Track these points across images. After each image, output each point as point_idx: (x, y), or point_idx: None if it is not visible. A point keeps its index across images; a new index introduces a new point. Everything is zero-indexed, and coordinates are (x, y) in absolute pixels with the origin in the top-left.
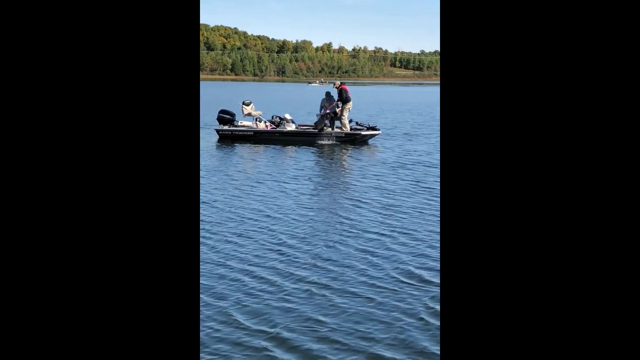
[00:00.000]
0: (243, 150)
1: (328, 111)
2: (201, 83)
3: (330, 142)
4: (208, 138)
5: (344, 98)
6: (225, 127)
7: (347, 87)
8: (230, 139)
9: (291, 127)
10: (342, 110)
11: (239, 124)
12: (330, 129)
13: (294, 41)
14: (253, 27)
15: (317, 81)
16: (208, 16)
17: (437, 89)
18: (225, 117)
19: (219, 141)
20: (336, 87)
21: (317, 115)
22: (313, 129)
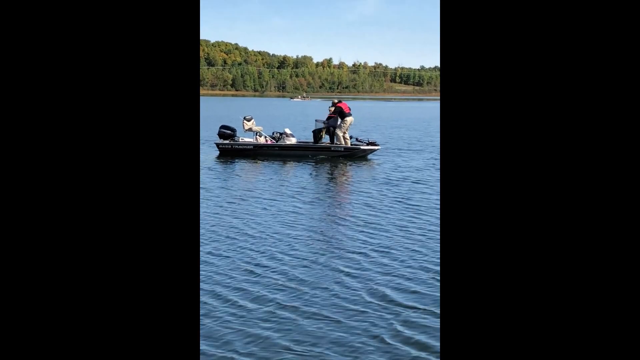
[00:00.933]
0: (241, 165)
1: (326, 124)
2: (201, 98)
3: (329, 156)
4: (208, 153)
5: (338, 113)
6: (226, 142)
7: (345, 104)
8: (230, 153)
9: (291, 141)
10: (339, 126)
11: (240, 140)
12: (329, 142)
13: (295, 57)
14: (254, 43)
15: (299, 96)
16: (209, 32)
17: (437, 104)
18: (226, 133)
19: (219, 156)
20: (332, 107)
21: (315, 121)
22: (313, 143)
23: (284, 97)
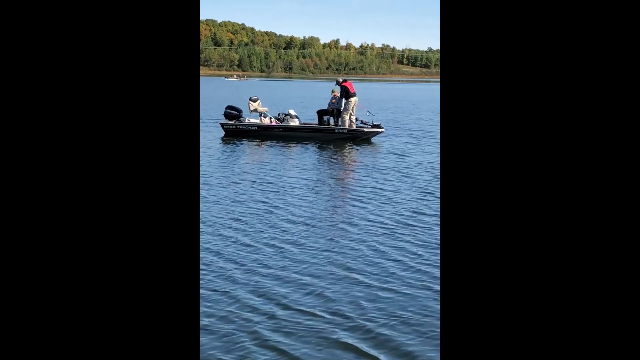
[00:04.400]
0: (244, 146)
1: (332, 106)
2: (208, 78)
3: (333, 138)
4: (214, 133)
5: (344, 95)
6: (231, 122)
7: (350, 83)
8: (235, 133)
9: (295, 123)
10: (345, 108)
11: (246, 121)
12: (333, 125)
13: (302, 37)
14: (261, 23)
15: (235, 75)
16: (216, 12)
17: None
18: (232, 113)
19: (224, 136)
20: (336, 86)
21: (328, 104)
22: (317, 124)
23: (290, 78)
